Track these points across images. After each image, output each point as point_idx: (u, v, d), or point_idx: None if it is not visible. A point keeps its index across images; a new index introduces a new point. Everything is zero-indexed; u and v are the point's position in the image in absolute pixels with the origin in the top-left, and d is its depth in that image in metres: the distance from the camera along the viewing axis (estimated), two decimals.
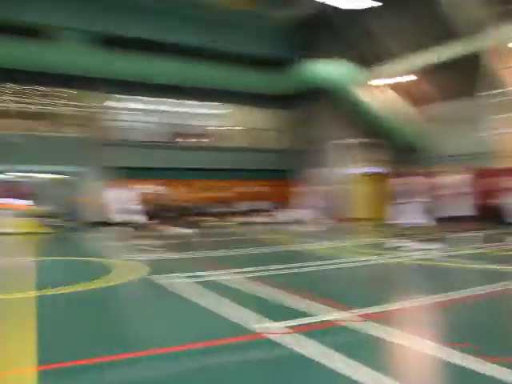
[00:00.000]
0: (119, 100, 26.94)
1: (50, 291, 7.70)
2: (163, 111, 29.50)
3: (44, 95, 24.42)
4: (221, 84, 25.30)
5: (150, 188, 13.18)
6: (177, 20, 23.08)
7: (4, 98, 24.23)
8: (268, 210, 24.02)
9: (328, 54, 24.43)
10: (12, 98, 23.83)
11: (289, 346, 4.56)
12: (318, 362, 4.12)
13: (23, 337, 5.18)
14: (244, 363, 4.34)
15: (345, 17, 23.75)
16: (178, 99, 27.97)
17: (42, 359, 4.41)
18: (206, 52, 24.08)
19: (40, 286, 8.00)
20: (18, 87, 23.90)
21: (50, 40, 21.50)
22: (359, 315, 5.59)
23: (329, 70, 24.07)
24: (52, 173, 25.67)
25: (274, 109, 29.07)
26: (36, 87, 24.21)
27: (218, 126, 29.95)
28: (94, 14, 21.70)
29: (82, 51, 22.00)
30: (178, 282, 8.03)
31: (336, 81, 23.93)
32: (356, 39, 24.50)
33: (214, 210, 23.73)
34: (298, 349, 4.48)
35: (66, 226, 18.54)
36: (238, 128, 29.43)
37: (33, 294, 7.41)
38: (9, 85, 23.67)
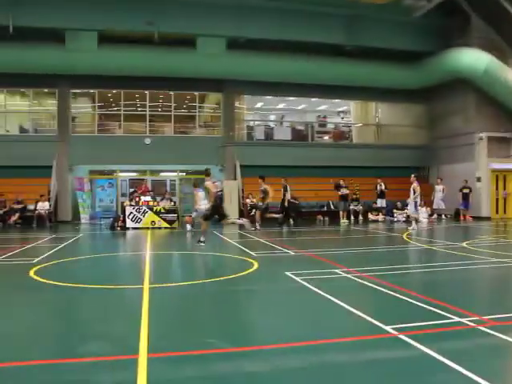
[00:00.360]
0: (248, 100, 27.40)
1: (165, 284, 8.01)
2: (291, 109, 29.66)
3: (173, 99, 25.49)
4: (354, 80, 24.54)
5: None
6: (311, 18, 22.61)
7: (139, 102, 25.71)
8: (393, 208, 22.97)
9: (467, 42, 22.95)
10: (145, 103, 25.14)
11: (419, 347, 4.49)
12: (447, 364, 4.05)
13: (143, 323, 5.39)
14: (374, 361, 4.27)
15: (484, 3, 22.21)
16: (310, 97, 27.79)
17: (157, 347, 4.60)
18: (339, 49, 23.55)
19: (156, 279, 8.29)
20: (152, 92, 25.19)
21: (188, 47, 22.38)
22: (485, 320, 5.35)
23: (470, 59, 22.47)
24: (180, 171, 26.83)
25: (408, 103, 27.70)
26: (167, 91, 25.35)
27: (346, 123, 29.43)
28: (230, 19, 22.11)
29: (216, 56, 22.56)
30: (301, 278, 7.84)
31: (481, 70, 22.19)
32: (498, 25, 22.78)
33: (332, 208, 23.25)
34: (427, 350, 4.39)
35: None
36: (367, 124, 28.59)
37: (148, 285, 7.58)
38: (145, 91, 25.01)
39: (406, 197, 20.87)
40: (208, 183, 13.22)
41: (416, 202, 17.86)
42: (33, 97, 25.02)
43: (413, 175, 18.31)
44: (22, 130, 24.77)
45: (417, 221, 18.23)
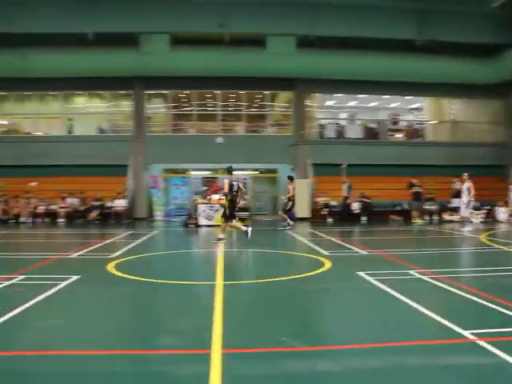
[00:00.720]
0: (319, 98, 27.23)
1: (238, 281, 8.22)
2: (362, 107, 29.26)
3: (243, 98, 25.70)
4: (427, 76, 23.82)
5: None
6: (381, 14, 22.04)
7: (210, 102, 26.16)
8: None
9: None
10: (217, 103, 25.52)
11: (500, 354, 4.26)
12: None
13: (217, 319, 5.47)
14: (451, 367, 4.13)
15: None
16: (381, 94, 27.17)
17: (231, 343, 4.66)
18: (410, 45, 22.83)
19: (229, 276, 8.40)
20: (223, 91, 25.55)
21: (258, 47, 22.55)
22: None
23: None
24: (251, 170, 27.11)
25: (485, 99, 26.62)
26: (237, 91, 25.63)
27: (419, 121, 28.68)
28: (299, 17, 21.95)
29: (286, 54, 22.51)
30: (374, 279, 7.73)
31: None
32: None
33: (405, 207, 22.65)
34: (508, 357, 4.16)
35: (260, 220, 19.12)
36: (441, 121, 27.71)
37: (221, 282, 7.72)
38: (216, 90, 25.41)
39: (483, 196, 20.12)
40: (226, 180, 13.63)
41: (469, 203, 16.88)
42: (110, 99, 25.99)
43: (465, 174, 17.23)
44: (100, 130, 25.80)
45: (468, 222, 17.28)
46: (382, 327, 5.40)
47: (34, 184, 22.31)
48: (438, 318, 5.42)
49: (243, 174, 26.87)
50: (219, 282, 7.69)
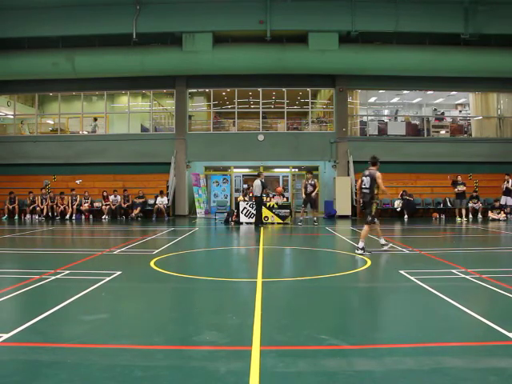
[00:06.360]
0: (362, 95, 26.88)
1: (278, 278, 8.14)
2: (406, 103, 28.77)
3: (285, 95, 25.59)
4: (474, 70, 23.08)
5: None
6: (427, 8, 21.19)
7: (252, 100, 26.18)
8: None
9: None
10: (259, 100, 25.47)
11: None
12: None
13: (256, 316, 5.47)
14: (494, 369, 3.97)
15: None
16: (425, 90, 26.43)
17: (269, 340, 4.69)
18: (456, 39, 22.15)
19: (268, 273, 8.36)
20: (265, 89, 25.52)
21: (300, 44, 22.45)
22: None
23: None
24: (292, 167, 27.01)
25: None
26: (279, 89, 25.55)
27: (464, 117, 27.98)
28: (342, 13, 21.51)
29: (329, 51, 22.20)
30: (416, 278, 7.56)
31: None
32: None
33: (449, 205, 22.13)
34: None
35: (300, 218, 18.98)
36: (487, 117, 26.90)
37: (260, 279, 7.68)
38: (258, 88, 25.39)
39: None
40: None
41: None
42: (153, 97, 26.34)
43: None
44: (144, 128, 26.20)
45: None
46: (423, 327, 5.28)
47: (78, 182, 22.87)
48: (482, 319, 5.27)
49: (284, 171, 26.86)
50: (259, 279, 7.68)
